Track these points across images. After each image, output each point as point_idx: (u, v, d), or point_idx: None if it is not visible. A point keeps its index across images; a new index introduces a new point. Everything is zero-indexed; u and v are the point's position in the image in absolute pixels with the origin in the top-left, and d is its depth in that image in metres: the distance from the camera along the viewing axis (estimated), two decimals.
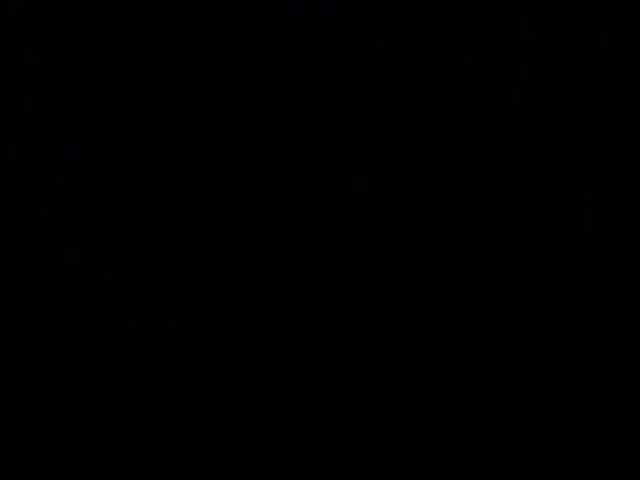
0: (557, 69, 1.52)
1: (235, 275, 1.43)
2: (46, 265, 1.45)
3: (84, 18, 1.49)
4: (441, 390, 1.20)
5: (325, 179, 1.33)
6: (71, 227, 1.47)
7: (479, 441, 1.18)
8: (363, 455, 1.19)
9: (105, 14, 1.49)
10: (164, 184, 1.51)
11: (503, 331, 1.36)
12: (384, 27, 1.52)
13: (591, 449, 1.29)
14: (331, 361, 1.27)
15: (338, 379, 1.25)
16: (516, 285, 1.45)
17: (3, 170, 1.47)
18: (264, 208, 1.44)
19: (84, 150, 1.50)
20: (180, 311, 1.42)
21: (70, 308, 1.43)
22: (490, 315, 1.36)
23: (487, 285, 1.42)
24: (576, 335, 1.42)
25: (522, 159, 1.52)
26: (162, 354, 1.39)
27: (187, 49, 1.52)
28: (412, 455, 1.18)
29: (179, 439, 1.30)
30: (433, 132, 1.53)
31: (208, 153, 1.51)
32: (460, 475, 1.18)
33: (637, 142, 1.50)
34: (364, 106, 1.50)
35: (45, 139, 1.49)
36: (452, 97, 1.53)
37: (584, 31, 1.50)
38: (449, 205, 1.49)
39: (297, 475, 1.21)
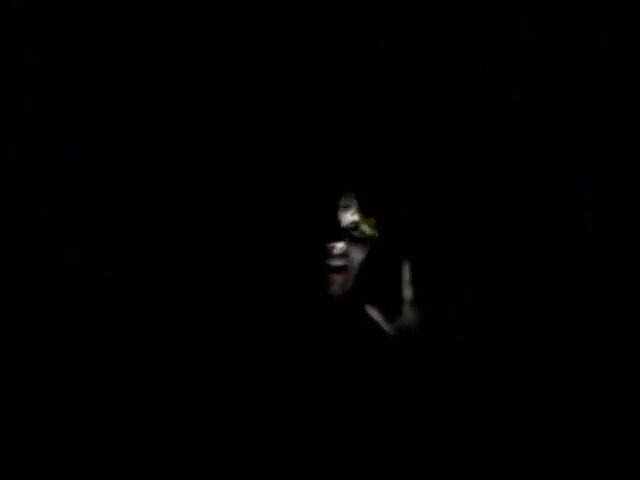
0: (557, 69, 1.52)
1: (235, 274, 1.43)
2: (46, 265, 1.45)
3: (84, 18, 1.49)
4: (438, 388, 1.20)
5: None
6: (71, 227, 1.48)
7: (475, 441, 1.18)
8: (362, 455, 1.19)
9: (105, 14, 1.50)
10: (164, 184, 1.51)
11: (502, 331, 1.36)
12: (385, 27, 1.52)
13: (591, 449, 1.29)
14: (331, 361, 1.27)
15: (338, 380, 1.25)
16: (514, 285, 1.45)
17: (3, 170, 1.47)
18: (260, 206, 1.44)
19: (84, 150, 1.50)
20: (180, 311, 1.42)
21: (70, 308, 1.43)
22: (489, 314, 1.36)
23: (485, 285, 1.42)
24: (576, 335, 1.42)
25: (522, 159, 1.52)
26: (162, 354, 1.40)
27: (188, 46, 1.52)
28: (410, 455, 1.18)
29: (179, 439, 1.31)
30: (432, 131, 1.53)
31: (207, 153, 1.51)
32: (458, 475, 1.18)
33: (637, 142, 1.50)
34: (363, 106, 1.51)
35: (45, 139, 1.49)
36: (451, 96, 1.53)
37: (584, 31, 1.50)
38: (448, 204, 1.49)
39: (297, 476, 1.21)
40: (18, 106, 1.49)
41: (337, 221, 1.28)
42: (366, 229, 1.28)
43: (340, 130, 1.46)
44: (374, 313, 1.22)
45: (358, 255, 1.27)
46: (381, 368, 1.23)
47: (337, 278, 1.27)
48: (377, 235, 1.28)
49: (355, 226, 1.28)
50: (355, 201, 1.29)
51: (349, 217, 1.29)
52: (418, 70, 1.54)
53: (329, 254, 1.26)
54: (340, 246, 1.27)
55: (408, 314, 1.20)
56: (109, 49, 1.50)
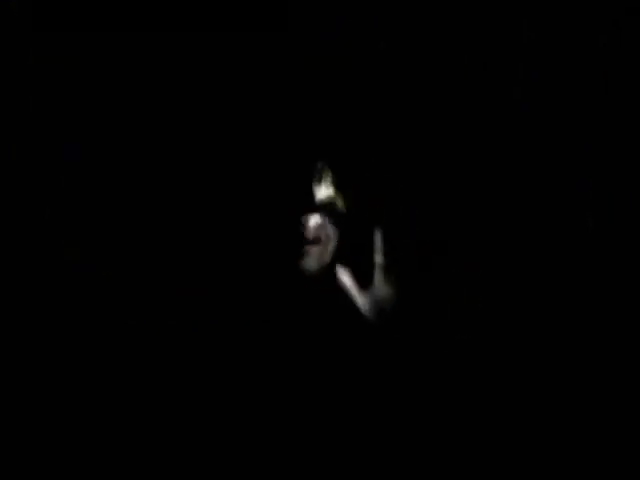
0: (557, 69, 1.52)
1: (236, 273, 1.43)
2: (46, 265, 1.45)
3: (84, 18, 1.49)
4: (436, 389, 1.20)
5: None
6: (71, 227, 1.48)
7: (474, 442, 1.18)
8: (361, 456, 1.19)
9: (105, 14, 1.50)
10: (164, 183, 1.51)
11: (502, 331, 1.36)
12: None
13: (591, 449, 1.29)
14: (331, 362, 1.27)
15: (338, 380, 1.25)
16: (514, 285, 1.45)
17: (3, 170, 1.47)
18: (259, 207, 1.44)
19: (84, 150, 1.50)
20: (180, 311, 1.42)
21: (70, 308, 1.43)
22: (488, 315, 1.36)
23: (484, 286, 1.42)
24: (576, 335, 1.42)
25: (522, 159, 1.52)
26: (162, 354, 1.40)
27: (188, 46, 1.52)
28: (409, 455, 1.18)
29: (179, 440, 1.31)
30: (432, 131, 1.53)
31: (206, 153, 1.51)
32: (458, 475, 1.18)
33: (637, 142, 1.50)
34: (362, 107, 1.51)
35: (45, 139, 1.49)
36: (450, 96, 1.53)
37: (584, 31, 1.50)
38: (447, 204, 1.49)
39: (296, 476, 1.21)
40: (18, 106, 1.49)
41: (311, 194, 1.29)
42: (341, 203, 1.28)
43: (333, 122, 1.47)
44: (347, 280, 1.23)
45: (333, 228, 1.27)
46: (357, 343, 1.24)
47: (312, 251, 1.27)
48: (352, 209, 1.28)
49: (330, 200, 1.28)
50: (330, 174, 1.29)
51: (324, 191, 1.29)
52: (418, 70, 1.54)
53: (304, 227, 1.27)
54: (315, 219, 1.27)
55: (380, 284, 1.21)
56: (109, 49, 1.50)
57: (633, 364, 1.39)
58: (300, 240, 1.28)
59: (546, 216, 1.50)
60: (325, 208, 1.28)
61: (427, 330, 1.21)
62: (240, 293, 1.39)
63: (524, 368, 1.34)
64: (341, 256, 1.27)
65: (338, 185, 1.28)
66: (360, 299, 1.22)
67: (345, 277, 1.24)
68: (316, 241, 1.27)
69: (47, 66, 1.49)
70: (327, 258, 1.27)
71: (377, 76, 1.53)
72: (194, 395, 1.34)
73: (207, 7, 1.51)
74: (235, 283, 1.40)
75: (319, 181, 1.29)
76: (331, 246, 1.27)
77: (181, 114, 1.52)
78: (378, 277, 1.21)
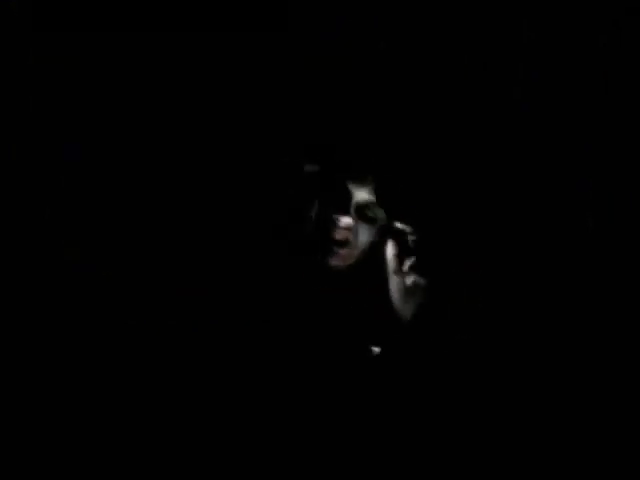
0: (557, 69, 1.52)
1: (235, 273, 1.43)
2: (46, 265, 1.45)
3: (84, 18, 1.49)
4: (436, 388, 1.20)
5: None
6: (71, 227, 1.48)
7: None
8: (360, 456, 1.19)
9: (105, 14, 1.50)
10: (164, 183, 1.51)
11: (502, 332, 1.36)
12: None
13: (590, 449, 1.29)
14: (330, 362, 1.27)
15: (337, 380, 1.25)
16: (514, 285, 1.45)
17: (3, 170, 1.47)
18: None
19: (84, 150, 1.50)
20: (180, 311, 1.42)
21: (70, 308, 1.44)
22: (488, 316, 1.36)
23: (484, 286, 1.43)
24: (575, 336, 1.42)
25: (522, 159, 1.52)
26: (162, 354, 1.40)
27: (187, 46, 1.52)
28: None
29: (179, 440, 1.31)
30: (431, 132, 1.53)
31: (206, 153, 1.51)
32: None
33: (637, 142, 1.50)
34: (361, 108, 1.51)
35: (45, 139, 1.49)
36: (451, 96, 1.53)
37: (584, 31, 1.50)
38: (447, 205, 1.49)
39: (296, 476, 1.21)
40: (18, 106, 1.49)
41: (347, 194, 1.27)
42: (378, 212, 1.25)
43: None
44: (390, 258, 1.19)
45: (364, 234, 1.25)
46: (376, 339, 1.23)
47: (339, 251, 1.25)
48: (388, 221, 1.25)
49: (368, 205, 1.25)
50: (373, 181, 1.26)
51: (364, 195, 1.26)
52: (418, 70, 1.54)
53: (333, 225, 1.24)
54: (346, 220, 1.24)
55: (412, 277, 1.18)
56: (109, 49, 1.50)
57: (633, 364, 1.39)
58: (328, 238, 1.25)
59: (546, 216, 1.50)
60: (361, 212, 1.25)
61: (428, 330, 1.20)
62: (259, 288, 1.37)
63: (524, 367, 1.34)
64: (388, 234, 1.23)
65: (380, 194, 1.25)
66: (393, 282, 1.19)
67: (390, 254, 1.20)
68: (344, 243, 1.25)
69: (47, 66, 1.49)
70: (350, 261, 1.25)
71: (377, 76, 1.53)
72: (195, 394, 1.34)
73: (208, 7, 1.51)
74: (254, 277, 1.38)
75: (360, 184, 1.26)
76: (357, 251, 1.25)
77: (181, 114, 1.52)
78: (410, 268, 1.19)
